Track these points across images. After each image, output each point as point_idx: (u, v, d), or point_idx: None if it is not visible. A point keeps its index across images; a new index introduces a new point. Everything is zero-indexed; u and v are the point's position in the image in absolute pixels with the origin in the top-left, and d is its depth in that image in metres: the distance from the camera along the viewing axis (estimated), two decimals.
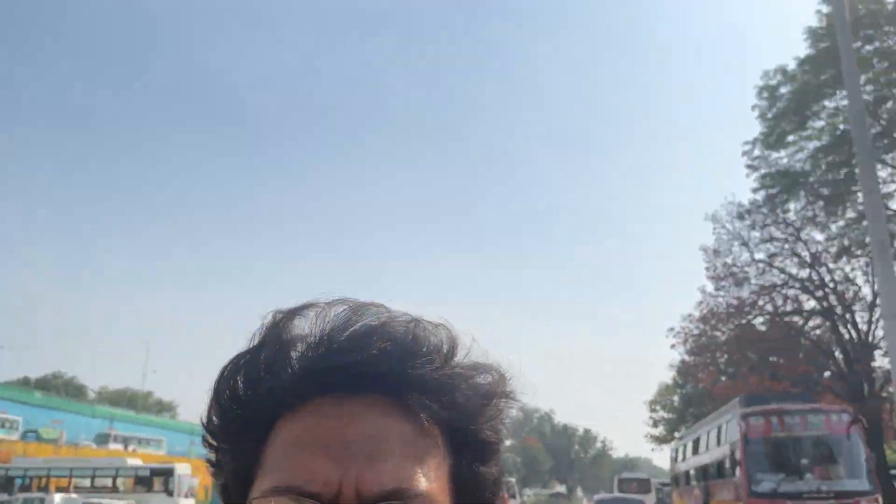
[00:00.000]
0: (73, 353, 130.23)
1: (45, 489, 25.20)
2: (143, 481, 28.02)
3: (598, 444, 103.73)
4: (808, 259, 25.46)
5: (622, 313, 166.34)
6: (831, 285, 25.42)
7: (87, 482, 28.10)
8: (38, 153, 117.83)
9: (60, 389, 75.42)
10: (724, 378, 29.97)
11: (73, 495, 21.79)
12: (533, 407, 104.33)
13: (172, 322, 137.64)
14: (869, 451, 14.58)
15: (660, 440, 47.00)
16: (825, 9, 21.24)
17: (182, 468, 29.43)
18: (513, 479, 61.77)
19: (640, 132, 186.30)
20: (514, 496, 56.55)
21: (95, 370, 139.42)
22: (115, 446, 56.83)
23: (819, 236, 25.59)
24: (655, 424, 48.21)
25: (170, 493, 27.28)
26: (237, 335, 0.60)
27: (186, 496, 28.19)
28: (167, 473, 28.10)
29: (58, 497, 20.11)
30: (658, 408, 48.80)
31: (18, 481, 26.91)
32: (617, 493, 32.88)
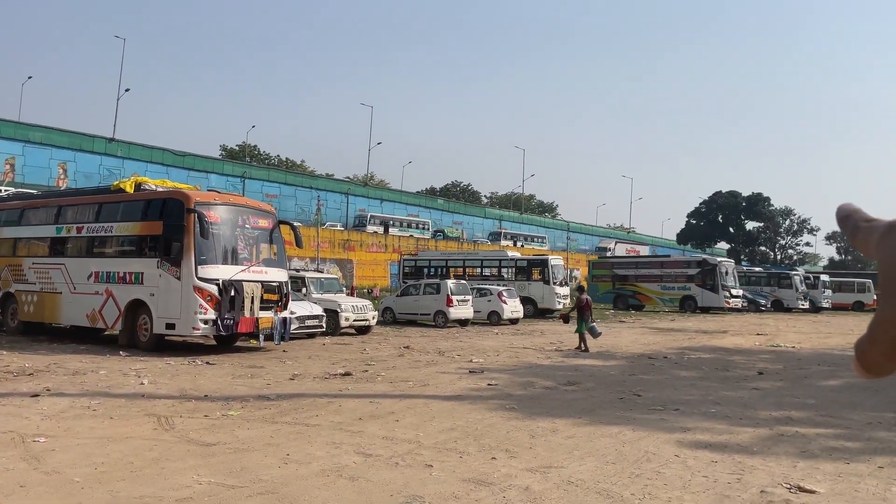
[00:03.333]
0: (466, 164, 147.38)
1: (445, 275, 30.18)
2: (523, 270, 31.45)
3: None
4: None
5: None
6: None
7: (477, 271, 32.74)
8: None
9: (459, 196, 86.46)
10: None
11: (463, 281, 25.62)
12: None
13: (548, 129, 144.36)
14: None
15: None
16: None
17: (555, 260, 32.10)
18: None
19: None
20: None
21: (485, 178, 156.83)
22: (505, 243, 64.36)
23: None
24: None
25: (546, 282, 30.22)
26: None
27: (561, 284, 30.91)
28: (543, 264, 30.95)
29: (451, 281, 23.88)
30: None
31: (425, 270, 32.67)
32: None
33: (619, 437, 6.91)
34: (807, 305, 42.65)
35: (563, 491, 5.01)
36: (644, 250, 79.06)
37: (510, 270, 31.73)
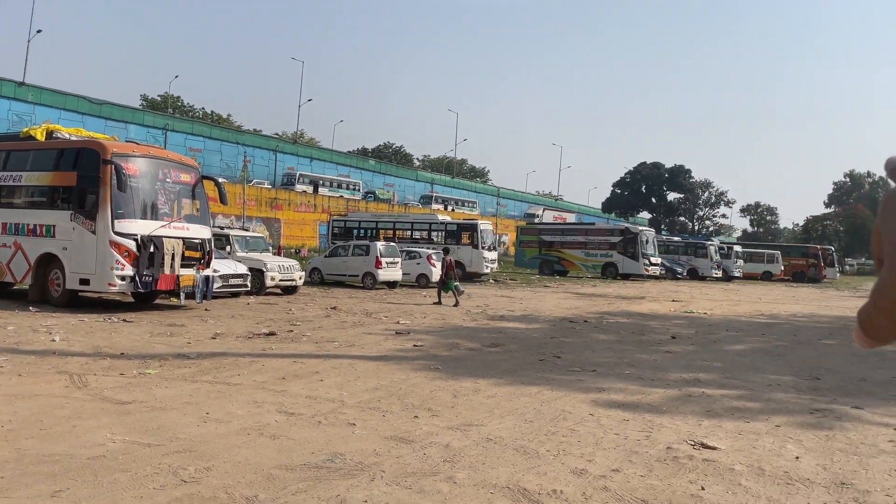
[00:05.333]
0: (399, 126, 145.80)
1: (375, 237, 30.07)
2: (452, 234, 31.64)
3: None
4: None
5: None
6: None
7: (407, 233, 32.73)
8: None
9: (391, 158, 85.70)
10: None
11: (392, 243, 25.56)
12: (863, 172, 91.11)
13: (479, 95, 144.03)
14: None
15: None
16: None
17: (484, 224, 32.43)
18: (831, 248, 56.66)
19: None
20: (832, 265, 52.38)
21: (418, 141, 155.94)
22: (436, 206, 64.37)
23: None
24: None
25: (475, 246, 30.52)
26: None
27: (489, 249, 31.31)
28: (472, 229, 31.21)
29: (380, 243, 23.80)
30: None
31: (355, 231, 32.42)
32: None
33: (537, 396, 7.13)
34: (720, 274, 44.78)
35: (482, 448, 5.15)
36: (571, 218, 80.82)
37: (440, 234, 31.88)
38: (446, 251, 19.52)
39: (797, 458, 5.22)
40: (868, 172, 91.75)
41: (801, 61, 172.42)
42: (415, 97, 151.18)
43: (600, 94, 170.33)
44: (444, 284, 18.41)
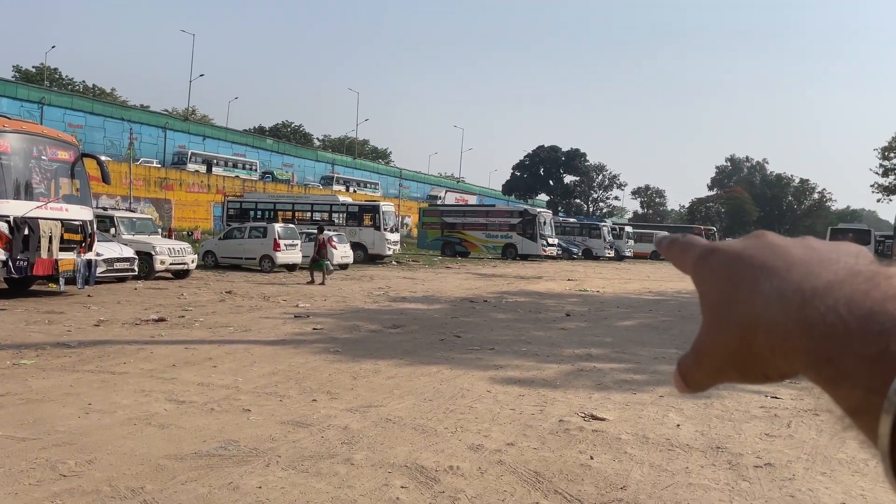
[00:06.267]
0: (298, 104, 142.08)
1: (273, 219, 29.27)
2: (354, 216, 31.32)
3: (815, 196, 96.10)
4: None
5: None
6: None
7: (307, 215, 32.10)
8: None
9: (290, 137, 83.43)
10: None
11: (291, 225, 25.00)
12: (742, 157, 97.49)
13: (382, 74, 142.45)
14: None
15: (889, 190, 42.12)
16: None
17: (386, 206, 32.30)
18: (714, 229, 60.45)
19: None
20: None
21: (318, 120, 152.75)
22: (337, 188, 63.43)
23: None
24: (886, 173, 42.92)
25: (377, 228, 30.37)
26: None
27: (392, 230, 31.25)
28: (374, 210, 31.01)
29: (278, 225, 23.19)
30: (893, 154, 43.01)
31: (251, 213, 31.46)
32: None
33: (437, 375, 7.21)
34: (612, 254, 46.81)
35: (381, 428, 5.16)
36: (472, 200, 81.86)
37: (341, 216, 31.49)
38: (320, 230, 19.90)
39: (678, 425, 5.55)
40: (746, 157, 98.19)
41: (682, 48, 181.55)
42: (315, 75, 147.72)
43: (502, 78, 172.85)
44: (315, 262, 18.86)
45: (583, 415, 5.75)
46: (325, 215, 31.78)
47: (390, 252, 30.94)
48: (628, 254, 48.90)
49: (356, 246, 28.01)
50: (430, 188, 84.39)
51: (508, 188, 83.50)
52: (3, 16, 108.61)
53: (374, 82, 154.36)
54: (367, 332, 10.21)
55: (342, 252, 24.89)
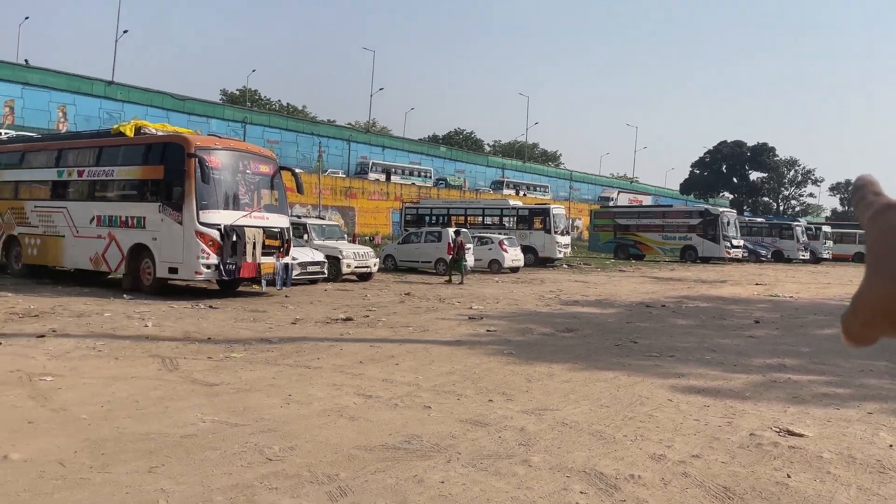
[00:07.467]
0: (469, 112, 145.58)
1: (447, 223, 30.17)
2: (524, 219, 31.45)
3: None
4: None
5: None
6: None
7: (479, 219, 32.75)
8: None
9: (462, 144, 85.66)
10: None
11: (464, 229, 25.64)
12: None
13: (551, 77, 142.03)
14: None
15: None
16: None
17: (556, 209, 32.08)
18: None
19: None
20: None
21: (488, 126, 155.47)
22: (507, 192, 64.05)
23: None
24: None
25: (547, 231, 30.26)
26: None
27: (562, 233, 30.97)
28: (544, 213, 30.92)
29: (452, 229, 23.88)
30: None
31: (427, 218, 32.67)
32: None
33: (614, 381, 7.04)
34: (807, 256, 42.77)
35: (557, 432, 5.14)
36: (647, 200, 78.84)
37: (512, 219, 31.75)
38: (457, 233, 20.74)
39: (891, 445, 4.97)
40: None
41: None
42: (485, 82, 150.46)
43: (676, 71, 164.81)
44: (455, 263, 19.80)
45: (777, 429, 5.33)
46: (496, 219, 32.23)
47: (561, 255, 30.66)
48: (826, 256, 44.43)
49: (526, 249, 28.07)
50: (601, 190, 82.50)
51: (687, 187, 79.34)
52: (212, 47, 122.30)
53: (543, 85, 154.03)
54: (540, 336, 10.21)
55: (512, 255, 25.09)
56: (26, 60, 42.16)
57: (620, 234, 39.34)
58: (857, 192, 0.63)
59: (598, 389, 6.67)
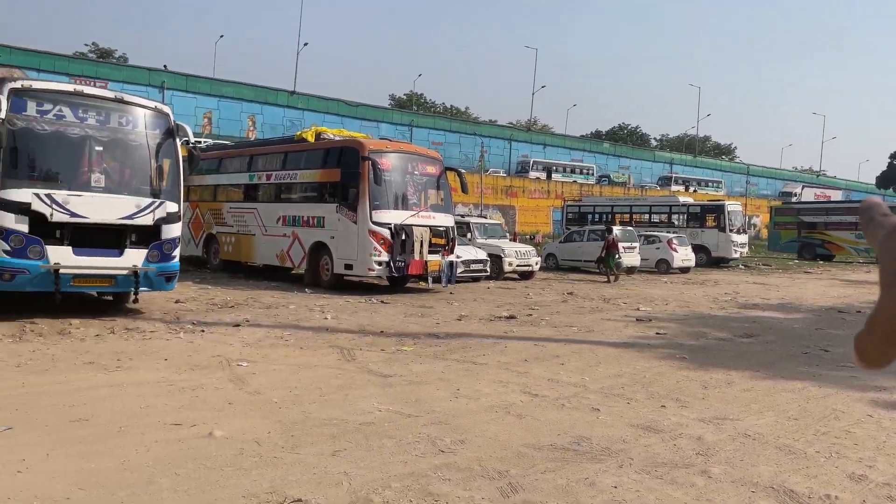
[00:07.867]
0: (634, 106, 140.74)
1: (610, 222, 29.37)
2: (695, 217, 29.84)
3: None
4: None
5: None
6: None
7: (645, 217, 31.55)
8: None
9: (626, 139, 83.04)
10: None
11: (630, 227, 24.83)
12: None
13: (725, 65, 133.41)
14: None
15: None
16: None
17: (732, 205, 30.11)
18: None
19: None
20: None
21: (655, 120, 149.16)
22: (676, 188, 61.14)
23: None
24: None
25: (721, 229, 28.50)
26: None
27: (738, 232, 29.01)
28: (718, 210, 29.16)
29: (616, 228, 23.21)
30: None
31: (589, 216, 32.00)
32: None
33: (802, 392, 6.48)
34: None
35: (739, 443, 4.82)
36: (836, 195, 71.62)
37: (681, 217, 30.30)
38: (609, 230, 20.72)
39: None
40: None
41: None
42: (652, 74, 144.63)
43: (867, 51, 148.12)
44: (609, 259, 19.75)
45: None
46: (664, 216, 30.90)
47: (737, 255, 28.76)
48: None
49: (698, 248, 26.65)
50: (782, 184, 76.20)
51: (884, 180, 71.05)
52: (381, 54, 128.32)
53: (716, 74, 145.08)
54: (716, 340, 9.64)
55: (682, 255, 23.92)
56: (165, 66, 45.91)
57: (805, 233, 36.12)
58: (864, 214, 0.65)
59: (785, 400, 6.17)
